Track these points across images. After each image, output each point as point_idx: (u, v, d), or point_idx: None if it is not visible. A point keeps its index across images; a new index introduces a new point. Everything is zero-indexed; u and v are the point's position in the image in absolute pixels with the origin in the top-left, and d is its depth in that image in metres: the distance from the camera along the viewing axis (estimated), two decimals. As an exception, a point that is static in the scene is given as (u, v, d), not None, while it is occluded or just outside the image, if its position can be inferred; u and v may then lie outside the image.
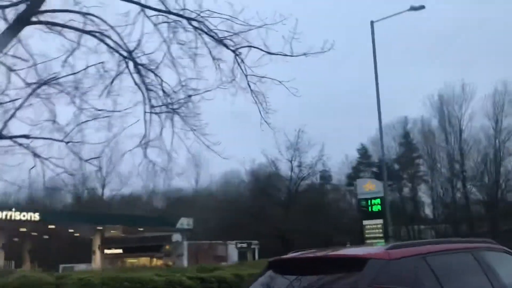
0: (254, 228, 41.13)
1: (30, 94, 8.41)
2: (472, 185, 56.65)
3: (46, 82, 8.97)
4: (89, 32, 8.60)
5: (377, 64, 17.70)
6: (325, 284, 4.11)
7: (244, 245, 50.13)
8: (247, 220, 40.74)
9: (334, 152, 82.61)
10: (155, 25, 8.31)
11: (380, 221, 22.99)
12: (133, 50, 8.56)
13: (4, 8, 8.23)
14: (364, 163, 65.85)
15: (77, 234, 41.91)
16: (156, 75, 9.38)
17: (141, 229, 43.19)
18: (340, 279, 4.07)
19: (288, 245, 36.52)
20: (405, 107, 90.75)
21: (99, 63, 8.34)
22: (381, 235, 22.92)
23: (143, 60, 8.72)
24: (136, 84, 8.69)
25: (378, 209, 23.09)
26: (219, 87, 9.17)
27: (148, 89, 8.80)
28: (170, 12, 8.65)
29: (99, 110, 8.55)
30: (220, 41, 9.81)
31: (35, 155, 9.86)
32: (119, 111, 8.87)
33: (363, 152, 65.16)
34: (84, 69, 8.22)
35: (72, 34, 8.46)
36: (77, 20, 8.70)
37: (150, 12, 8.17)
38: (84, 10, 8.33)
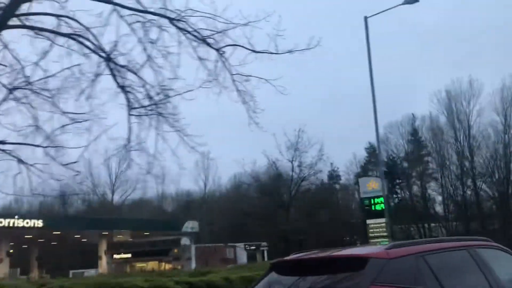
0: (261, 230, 40.93)
1: (4, 100, 8.33)
2: (482, 182, 55.94)
3: (18, 87, 8.86)
4: (67, 35, 8.50)
5: (371, 61, 17.47)
6: (327, 285, 4.18)
7: (253, 247, 50.09)
8: (254, 222, 40.53)
9: (343, 152, 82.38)
10: (129, 24, 8.18)
11: (384, 220, 22.65)
12: (111, 52, 8.45)
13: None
14: (373, 162, 65.40)
15: (84, 240, 42.05)
16: (139, 76, 9.26)
17: (147, 233, 43.25)
18: (342, 279, 4.17)
19: (294, 246, 36.27)
20: (413, 105, 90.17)
21: (75, 65, 8.22)
22: (385, 234, 22.60)
23: (122, 61, 8.61)
24: (118, 86, 8.57)
25: (382, 208, 22.76)
26: (202, 86, 9.01)
27: (127, 91, 8.67)
28: (148, 12, 8.54)
29: (79, 113, 8.44)
30: (203, 40, 9.67)
31: (20, 161, 9.78)
32: (102, 116, 8.75)
33: (371, 150, 64.69)
34: (60, 71, 8.11)
35: (56, 38, 8.38)
36: (52, 23, 8.60)
37: (126, 12, 8.06)
38: (62, 12, 8.25)
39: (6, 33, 9.06)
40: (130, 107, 8.84)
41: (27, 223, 32.62)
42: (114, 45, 8.49)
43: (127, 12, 8.14)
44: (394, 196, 62.28)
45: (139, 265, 46.12)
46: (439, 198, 59.49)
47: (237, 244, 48.63)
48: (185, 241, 43.64)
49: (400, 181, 62.29)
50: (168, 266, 45.12)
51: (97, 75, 8.52)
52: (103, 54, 8.47)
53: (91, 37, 8.26)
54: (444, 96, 57.91)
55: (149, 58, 8.54)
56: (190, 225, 42.14)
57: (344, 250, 4.95)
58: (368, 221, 23.77)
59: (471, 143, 55.65)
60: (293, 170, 44.19)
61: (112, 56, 8.53)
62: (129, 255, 46.29)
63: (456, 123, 56.86)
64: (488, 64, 71.47)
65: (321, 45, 9.83)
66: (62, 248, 42.45)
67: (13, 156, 9.73)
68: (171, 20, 9.45)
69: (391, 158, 63.11)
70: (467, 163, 56.05)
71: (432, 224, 58.41)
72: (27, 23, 8.42)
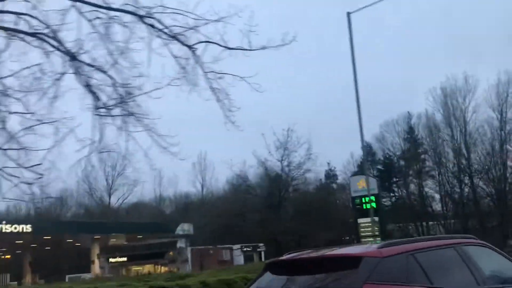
0: (257, 231, 40.69)
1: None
2: (479, 179, 55.69)
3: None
4: (29, 33, 8.26)
5: (355, 58, 17.17)
6: (321, 284, 4.26)
7: (250, 248, 49.90)
8: (249, 224, 40.32)
9: (342, 151, 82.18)
10: (89, 21, 7.93)
11: (375, 219, 22.41)
12: (77, 51, 8.22)
13: None
14: (369, 160, 65.26)
15: (78, 244, 41.81)
16: (107, 75, 9.02)
17: (140, 236, 43.03)
18: (336, 279, 4.25)
19: (290, 246, 36.00)
20: (409, 103, 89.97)
21: (36, 64, 7.98)
22: (376, 233, 22.38)
23: (87, 60, 8.38)
24: (83, 85, 8.34)
25: (372, 207, 22.53)
26: (171, 84, 8.77)
27: (93, 91, 8.44)
28: (113, 9, 8.30)
29: (42, 114, 8.20)
30: (174, 37, 9.43)
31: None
32: (68, 116, 8.52)
33: (367, 150, 64.50)
34: (19, 71, 7.88)
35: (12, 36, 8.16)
36: (10, 21, 8.36)
37: (86, 8, 7.82)
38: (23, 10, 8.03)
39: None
40: (97, 107, 8.61)
41: (15, 228, 32.34)
42: (79, 44, 8.25)
43: (88, 8, 7.89)
44: (391, 194, 62.13)
45: (135, 268, 45.87)
46: (437, 196, 59.29)
47: (234, 246, 48.44)
48: (180, 243, 43.44)
49: (397, 179, 62.10)
50: (164, 269, 44.89)
51: (62, 74, 8.28)
52: (67, 53, 8.23)
53: (52, 35, 8.00)
54: (439, 93, 57.80)
55: (113, 56, 8.29)
56: (184, 227, 41.92)
57: (338, 250, 5.02)
58: (360, 220, 23.57)
59: (467, 140, 55.44)
60: (282, 170, 43.91)
61: (76, 54, 8.29)
62: (124, 259, 46.08)
63: (452, 120, 56.66)
64: (483, 60, 71.27)
65: (296, 40, 9.60)
66: (56, 253, 42.19)
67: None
68: (140, 17, 9.23)
69: (387, 156, 62.96)
70: (463, 160, 55.83)
71: (430, 222, 58.17)
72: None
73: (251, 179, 45.86)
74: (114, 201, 68.37)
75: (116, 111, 8.52)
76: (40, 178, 8.39)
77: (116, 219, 52.57)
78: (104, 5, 7.99)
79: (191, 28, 9.47)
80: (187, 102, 9.89)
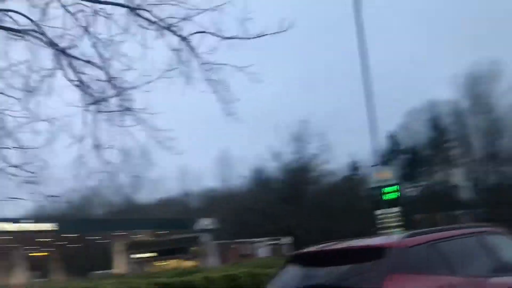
0: (277, 225, 40.47)
1: None
2: (508, 166, 54.16)
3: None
4: (18, 30, 8.09)
5: (364, 38, 16.47)
6: (347, 274, 4.35)
7: (275, 241, 49.75)
8: (270, 217, 40.12)
9: (366, 142, 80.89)
10: (72, 14, 7.69)
11: (396, 209, 21.79)
12: (69, 46, 8.02)
13: None
14: (394, 151, 64.24)
15: (102, 241, 42.32)
16: (101, 69, 8.80)
17: (163, 232, 43.39)
18: (361, 269, 4.33)
19: (312, 239, 35.60)
20: (434, 90, 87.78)
21: (24, 61, 7.81)
22: (398, 223, 21.73)
23: (77, 54, 8.17)
24: (73, 80, 8.14)
25: (393, 197, 21.90)
26: (163, 77, 8.49)
27: (84, 86, 8.23)
28: (102, 2, 8.04)
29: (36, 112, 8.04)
30: (167, 28, 9.16)
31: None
32: (62, 113, 8.34)
33: (392, 140, 63.47)
34: (6, 68, 7.71)
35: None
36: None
37: (69, 2, 7.58)
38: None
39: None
40: (90, 103, 8.41)
41: (40, 227, 32.85)
42: (68, 38, 8.05)
43: (71, 1, 7.65)
44: (417, 184, 61.03)
45: (159, 263, 46.26)
46: (464, 184, 57.92)
47: (257, 239, 48.38)
48: (203, 238, 43.66)
49: (423, 168, 61.00)
50: (188, 264, 45.10)
51: (53, 70, 8.09)
52: (57, 48, 8.02)
53: (40, 30, 7.81)
54: (465, 79, 56.22)
55: (103, 49, 8.06)
56: (206, 222, 42.09)
57: (362, 241, 5.09)
58: (380, 211, 22.87)
59: (495, 126, 53.93)
60: (299, 162, 43.41)
61: (66, 49, 8.08)
62: (149, 254, 46.58)
63: (478, 107, 55.21)
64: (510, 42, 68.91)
65: (293, 27, 9.24)
66: (81, 250, 42.83)
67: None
68: (132, 9, 8.99)
69: (412, 145, 61.91)
70: (491, 148, 54.38)
71: (458, 211, 56.90)
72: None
73: (271, 173, 45.61)
74: (141, 198, 69.40)
75: (111, 105, 8.34)
76: (36, 176, 8.25)
77: (141, 216, 53.17)
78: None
79: (184, 19, 9.21)
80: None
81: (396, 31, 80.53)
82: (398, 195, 22.71)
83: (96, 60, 8.19)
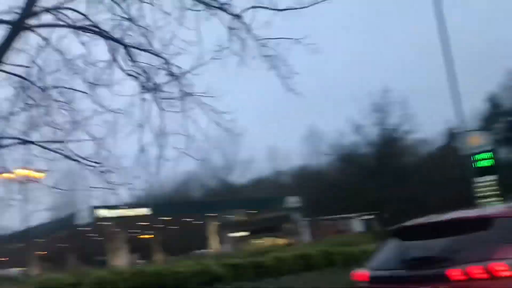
0: (367, 200, 39.47)
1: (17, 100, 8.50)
2: None
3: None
4: (81, 28, 8.38)
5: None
6: (456, 246, 4.29)
7: (369, 216, 48.72)
8: (360, 192, 39.18)
9: (454, 109, 76.30)
10: (118, 4, 7.79)
11: (492, 177, 20.30)
12: (121, 37, 8.18)
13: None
14: (496, 113, 59.61)
15: (197, 222, 43.98)
16: (161, 57, 8.93)
17: (255, 211, 44.20)
18: (470, 240, 4.28)
19: (409, 212, 34.26)
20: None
21: (84, 55, 8.09)
22: (495, 193, 20.25)
23: (134, 44, 8.32)
24: (128, 72, 8.32)
25: (488, 164, 20.40)
26: (214, 58, 8.42)
27: (145, 75, 8.38)
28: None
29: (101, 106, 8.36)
30: (220, 8, 9.07)
31: (66, 157, 10.03)
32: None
33: (493, 101, 58.83)
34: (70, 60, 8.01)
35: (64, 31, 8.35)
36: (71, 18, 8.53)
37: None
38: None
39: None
40: (149, 90, 8.56)
41: (137, 211, 34.73)
42: (122, 29, 8.21)
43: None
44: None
45: (255, 241, 47.33)
46: None
47: (351, 215, 47.67)
48: (294, 216, 43.94)
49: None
50: (282, 241, 45.68)
51: (110, 62, 8.33)
52: (113, 39, 8.23)
53: (95, 24, 8.03)
54: None
55: (150, 37, 8.12)
56: (294, 200, 42.30)
57: (466, 212, 4.98)
58: (477, 179, 21.42)
59: None
60: (384, 133, 41.59)
61: (121, 40, 8.26)
62: (244, 233, 47.83)
63: None
64: None
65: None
66: (179, 232, 44.81)
67: (61, 154, 10.01)
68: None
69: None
70: None
71: None
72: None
73: (355, 147, 44.27)
74: (234, 179, 71.20)
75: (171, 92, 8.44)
76: (95, 167, 8.59)
77: (235, 196, 54.59)
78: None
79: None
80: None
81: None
82: (492, 162, 21.18)
83: (150, 48, 8.26)
